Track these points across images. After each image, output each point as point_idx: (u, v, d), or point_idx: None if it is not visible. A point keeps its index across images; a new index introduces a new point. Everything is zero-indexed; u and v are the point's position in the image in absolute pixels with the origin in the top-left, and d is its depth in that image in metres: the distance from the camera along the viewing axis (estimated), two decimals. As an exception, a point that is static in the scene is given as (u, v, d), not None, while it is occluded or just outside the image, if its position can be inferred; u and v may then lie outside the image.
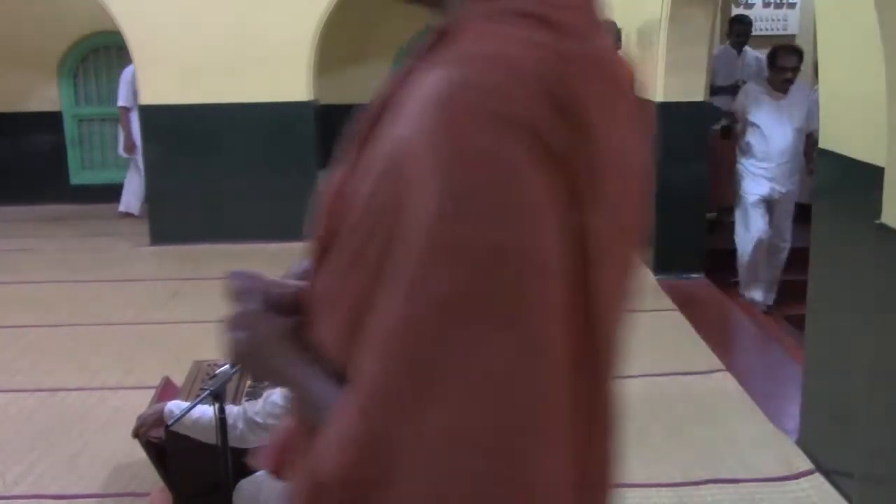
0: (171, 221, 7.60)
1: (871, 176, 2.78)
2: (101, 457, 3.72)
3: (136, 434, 3.02)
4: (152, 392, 3.48)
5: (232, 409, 2.85)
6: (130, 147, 8.45)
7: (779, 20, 9.03)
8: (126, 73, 8.41)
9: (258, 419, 2.78)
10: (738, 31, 7.62)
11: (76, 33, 9.42)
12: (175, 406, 2.86)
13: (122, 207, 8.86)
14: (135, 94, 8.19)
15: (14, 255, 7.47)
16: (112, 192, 9.44)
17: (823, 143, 3.48)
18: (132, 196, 8.86)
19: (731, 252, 6.79)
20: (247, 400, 3.15)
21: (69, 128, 9.67)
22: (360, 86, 9.41)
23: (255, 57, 7.32)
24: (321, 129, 7.72)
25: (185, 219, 7.59)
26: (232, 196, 7.57)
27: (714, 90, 7.09)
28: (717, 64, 7.23)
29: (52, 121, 9.58)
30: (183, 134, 7.50)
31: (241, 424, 2.79)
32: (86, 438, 3.91)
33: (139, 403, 3.53)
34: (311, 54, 7.38)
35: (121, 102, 8.38)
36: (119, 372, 4.71)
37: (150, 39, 7.33)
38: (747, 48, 7.72)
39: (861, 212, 2.91)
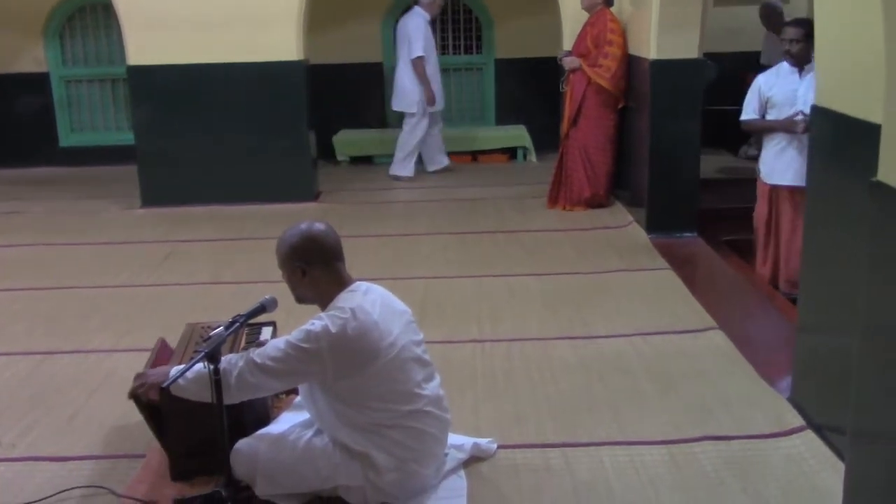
0: (162, 183, 7.55)
1: (867, 133, 2.76)
2: (97, 419, 3.73)
3: (134, 394, 3.02)
4: (146, 355, 3.48)
5: (231, 355, 2.87)
6: (431, 98, 8.30)
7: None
8: (416, 21, 8.27)
9: (258, 359, 2.79)
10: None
11: (61, -8, 9.29)
12: (177, 371, 2.87)
13: (433, 167, 8.71)
14: (426, 40, 8.19)
15: (4, 219, 7.42)
16: (102, 155, 9.38)
17: (819, 101, 3.46)
18: (437, 151, 8.75)
19: (723, 211, 6.80)
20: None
21: (57, 89, 9.56)
22: (348, 46, 9.32)
23: (244, 16, 7.22)
24: (311, 88, 7.66)
25: (176, 181, 7.54)
26: (222, 157, 7.51)
27: None
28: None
29: (39, 83, 9.46)
30: (172, 95, 7.42)
31: (241, 363, 2.80)
32: (81, 401, 3.91)
33: (133, 366, 3.53)
34: (301, 13, 7.28)
35: (418, 52, 8.17)
36: (113, 335, 4.71)
37: (136, -2, 7.23)
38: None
39: (857, 169, 2.89)
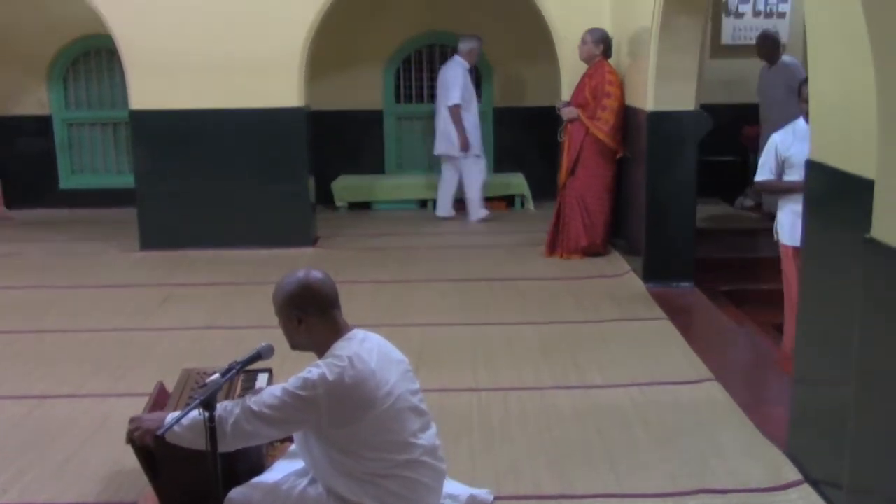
0: (160, 227, 7.57)
1: (861, 189, 2.80)
2: (90, 465, 3.70)
3: (130, 439, 3.00)
4: (140, 400, 3.47)
5: (227, 402, 2.85)
6: (464, 144, 8.52)
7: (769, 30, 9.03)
8: (454, 70, 8.53)
9: (254, 407, 2.78)
10: None
11: (66, 36, 9.38)
12: (173, 418, 2.85)
13: (443, 213, 8.89)
14: (464, 88, 8.42)
15: (2, 260, 7.43)
16: (101, 197, 9.42)
17: (814, 155, 3.49)
18: (450, 199, 8.91)
19: (719, 261, 6.81)
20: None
21: (59, 132, 9.62)
22: (349, 92, 9.41)
23: (246, 62, 7.31)
24: (311, 134, 7.73)
25: (175, 224, 7.57)
26: (222, 202, 7.55)
27: None
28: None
29: (41, 125, 9.53)
30: (173, 139, 7.48)
31: (237, 410, 2.79)
32: (75, 446, 3.88)
33: (128, 411, 3.51)
34: (302, 60, 7.37)
35: (455, 100, 8.43)
36: (108, 379, 4.69)
37: (140, 43, 7.32)
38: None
39: (851, 225, 2.92)
